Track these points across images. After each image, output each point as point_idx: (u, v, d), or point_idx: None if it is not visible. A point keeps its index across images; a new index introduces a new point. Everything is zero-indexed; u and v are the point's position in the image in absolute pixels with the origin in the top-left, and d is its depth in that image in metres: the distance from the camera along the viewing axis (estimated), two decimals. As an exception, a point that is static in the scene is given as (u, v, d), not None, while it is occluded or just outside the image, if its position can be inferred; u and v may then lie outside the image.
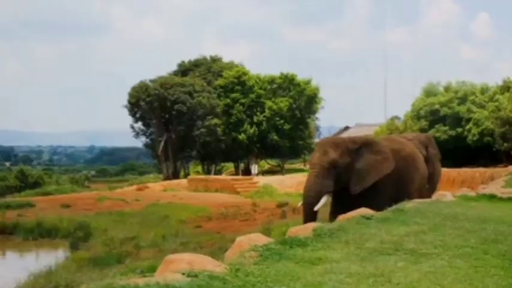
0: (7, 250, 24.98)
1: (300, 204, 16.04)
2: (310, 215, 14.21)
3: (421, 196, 14.97)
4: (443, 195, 14.80)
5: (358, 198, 14.26)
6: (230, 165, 69.52)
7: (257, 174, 57.91)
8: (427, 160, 18.38)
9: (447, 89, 51.95)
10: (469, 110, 47.98)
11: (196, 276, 5.46)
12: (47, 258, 20.61)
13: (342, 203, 14.68)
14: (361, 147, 15.04)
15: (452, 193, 15.85)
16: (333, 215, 14.77)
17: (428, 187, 18.26)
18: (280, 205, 29.31)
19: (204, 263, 5.98)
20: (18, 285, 14.63)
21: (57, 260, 19.20)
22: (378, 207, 13.83)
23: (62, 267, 17.73)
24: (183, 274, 5.48)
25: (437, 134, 44.76)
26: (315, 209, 14.26)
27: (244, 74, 61.02)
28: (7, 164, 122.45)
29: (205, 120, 56.99)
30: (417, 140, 18.59)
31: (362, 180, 14.70)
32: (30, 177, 57.36)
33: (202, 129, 56.77)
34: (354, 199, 14.35)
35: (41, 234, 25.49)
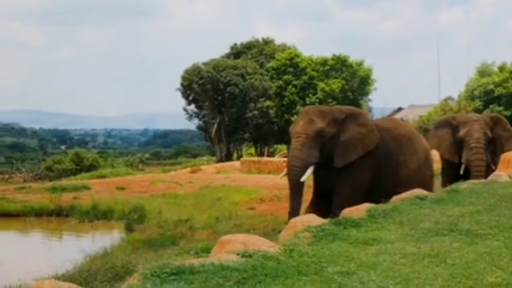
0: (64, 232, 25.38)
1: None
2: (296, 187, 13.61)
3: (420, 184, 12.79)
4: (499, 175, 14.58)
5: (337, 174, 13.82)
6: (283, 147, 69.35)
7: (310, 156, 57.62)
8: (491, 142, 18.09)
9: (502, 68, 50.96)
10: (524, 90, 47.17)
11: (250, 256, 5.50)
12: (103, 240, 20.92)
13: (322, 179, 14.23)
14: (347, 117, 14.20)
15: (508, 174, 15.64)
16: (315, 194, 14.51)
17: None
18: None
19: (258, 243, 6.03)
20: (75, 266, 14.84)
21: (112, 241, 19.46)
22: (354, 189, 13.48)
23: (118, 249, 17.94)
24: (238, 254, 5.53)
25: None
26: (301, 179, 13.48)
27: (297, 56, 60.63)
28: (63, 147, 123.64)
29: (258, 103, 57.02)
30: (482, 120, 18.29)
31: (347, 153, 13.84)
32: (85, 160, 57.69)
33: (254, 112, 56.84)
34: (333, 174, 13.86)
35: (97, 216, 25.80)
